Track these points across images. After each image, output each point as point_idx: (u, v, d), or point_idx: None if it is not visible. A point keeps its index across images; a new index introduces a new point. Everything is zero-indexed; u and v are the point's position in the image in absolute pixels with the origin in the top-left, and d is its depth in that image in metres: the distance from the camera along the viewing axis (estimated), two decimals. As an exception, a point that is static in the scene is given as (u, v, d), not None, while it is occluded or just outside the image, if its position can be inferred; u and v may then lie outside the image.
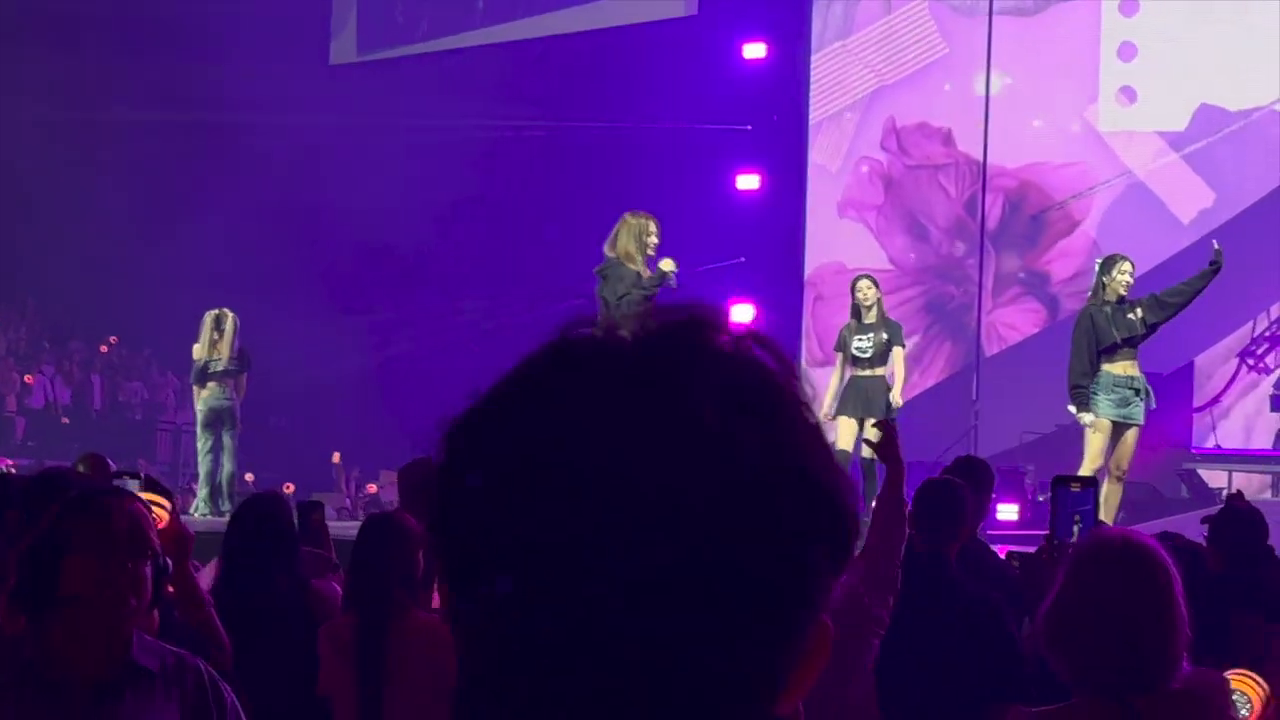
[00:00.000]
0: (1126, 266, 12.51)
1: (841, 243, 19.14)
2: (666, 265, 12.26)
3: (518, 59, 22.32)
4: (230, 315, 15.65)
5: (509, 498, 1.09)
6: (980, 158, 18.22)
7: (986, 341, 17.82)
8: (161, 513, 5.07)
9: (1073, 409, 12.40)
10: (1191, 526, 8.04)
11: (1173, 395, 16.71)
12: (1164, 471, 15.36)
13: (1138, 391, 12.31)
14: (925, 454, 14.07)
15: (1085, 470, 11.88)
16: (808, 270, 19.11)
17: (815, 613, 1.13)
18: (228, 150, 23.38)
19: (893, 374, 13.31)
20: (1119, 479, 12.10)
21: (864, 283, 13.59)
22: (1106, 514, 11.60)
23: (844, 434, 13.16)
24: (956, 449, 15.63)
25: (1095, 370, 12.33)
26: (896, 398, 13.19)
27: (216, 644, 5.06)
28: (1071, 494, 5.18)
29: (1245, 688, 5.07)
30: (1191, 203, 17.46)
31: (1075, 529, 5.11)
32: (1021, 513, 14.37)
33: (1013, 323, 17.55)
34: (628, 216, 12.48)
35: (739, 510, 1.08)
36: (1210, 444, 16.69)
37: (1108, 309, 12.36)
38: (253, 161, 23.00)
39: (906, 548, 5.57)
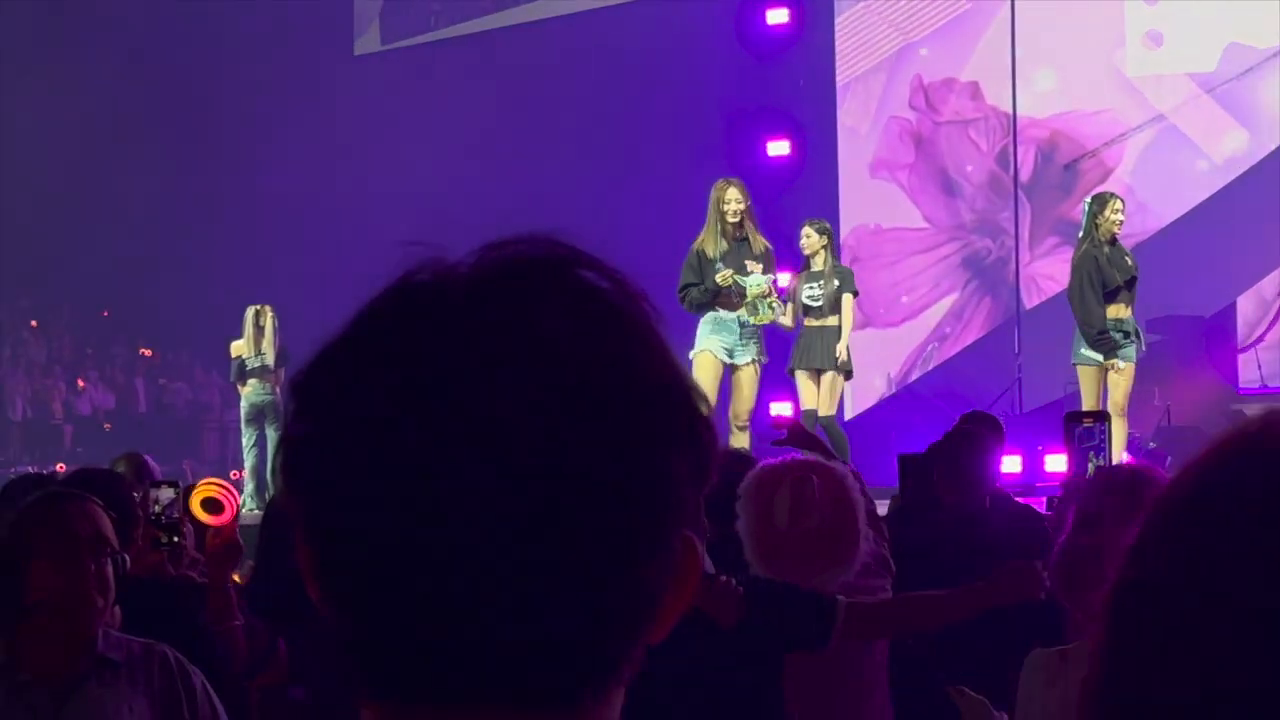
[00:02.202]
0: (1118, 204, 12.42)
1: (875, 204, 19.09)
2: (753, 286, 11.99)
3: (542, 38, 22.31)
4: (270, 311, 15.76)
5: (359, 443, 1.09)
6: (1009, 110, 18.15)
7: (1026, 294, 17.77)
8: (219, 519, 5.08)
9: (1096, 356, 12.33)
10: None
11: (1216, 336, 16.66)
12: (1211, 412, 15.29)
13: (1128, 334, 12.23)
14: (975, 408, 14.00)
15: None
16: (842, 233, 19.05)
17: (681, 527, 1.13)
18: (259, 145, 23.43)
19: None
20: (1121, 415, 11.96)
21: (805, 229, 13.13)
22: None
23: (804, 390, 12.86)
24: (1001, 404, 15.60)
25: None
26: (843, 350, 12.67)
27: (236, 655, 5.08)
28: (1083, 429, 5.15)
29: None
30: (1224, 143, 17.36)
31: (1090, 465, 5.07)
32: (1069, 463, 14.32)
33: (1051, 274, 17.47)
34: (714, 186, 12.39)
35: (596, 427, 1.08)
36: (1256, 383, 16.61)
37: (1106, 249, 12.29)
38: (284, 155, 23.05)
39: (938, 502, 5.53)
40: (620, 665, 1.13)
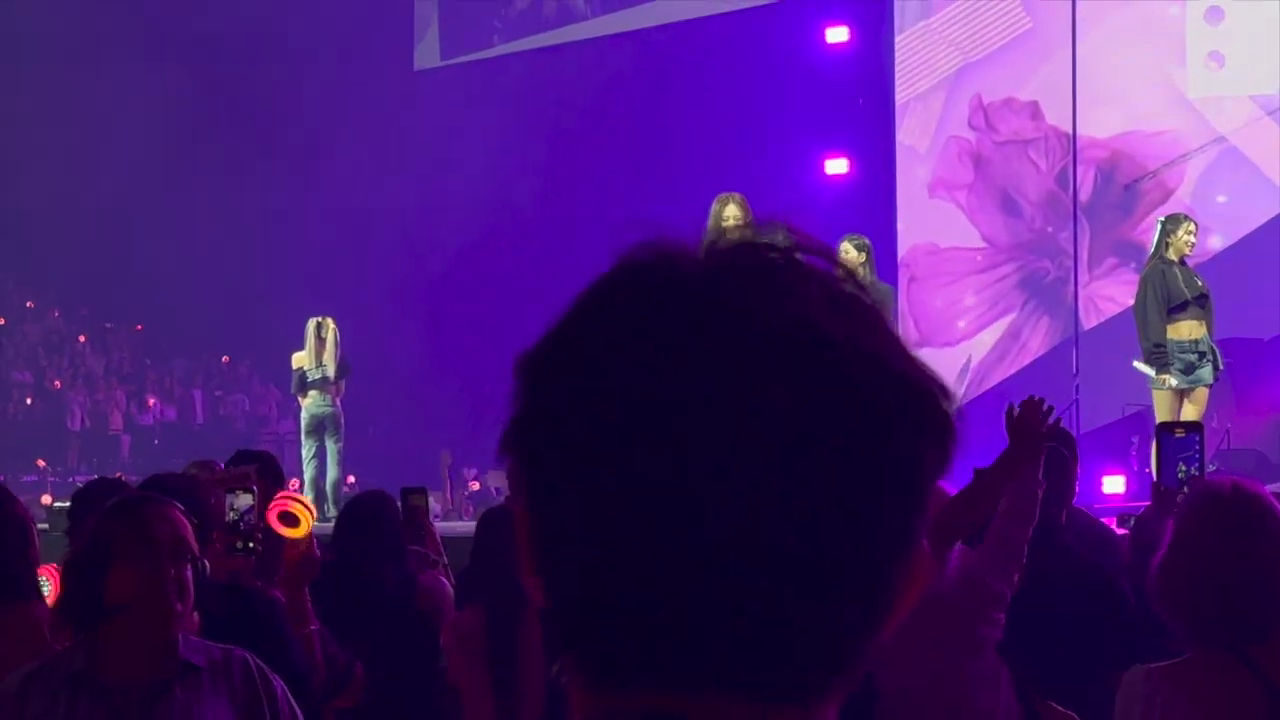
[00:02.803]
0: (1191, 226, 12.36)
1: (933, 223, 19.06)
2: None
3: (604, 54, 22.36)
4: (331, 323, 15.80)
5: (603, 425, 1.06)
6: (1069, 130, 18.11)
7: (1084, 315, 17.71)
8: (297, 532, 5.14)
9: (1148, 370, 12.25)
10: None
11: (1275, 359, 16.55)
12: (1271, 437, 15.22)
13: (1203, 354, 12.12)
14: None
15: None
16: (901, 252, 19.04)
17: (926, 520, 1.10)
18: (319, 159, 23.53)
19: None
20: None
21: (843, 244, 12.90)
22: None
23: None
24: (1059, 425, 15.52)
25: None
26: None
27: (312, 663, 5.11)
28: (1176, 440, 5.10)
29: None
30: (1286, 165, 17.29)
31: (1181, 476, 5.02)
32: (1128, 484, 14.26)
33: (1111, 295, 17.42)
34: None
35: (854, 416, 1.06)
36: (1316, 407, 16.51)
37: (1175, 269, 12.22)
38: (343, 170, 23.15)
39: None
40: (853, 663, 1.10)
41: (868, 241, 13.21)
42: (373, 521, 6.44)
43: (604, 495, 1.06)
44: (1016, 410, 5.26)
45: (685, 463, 1.04)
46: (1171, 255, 12.26)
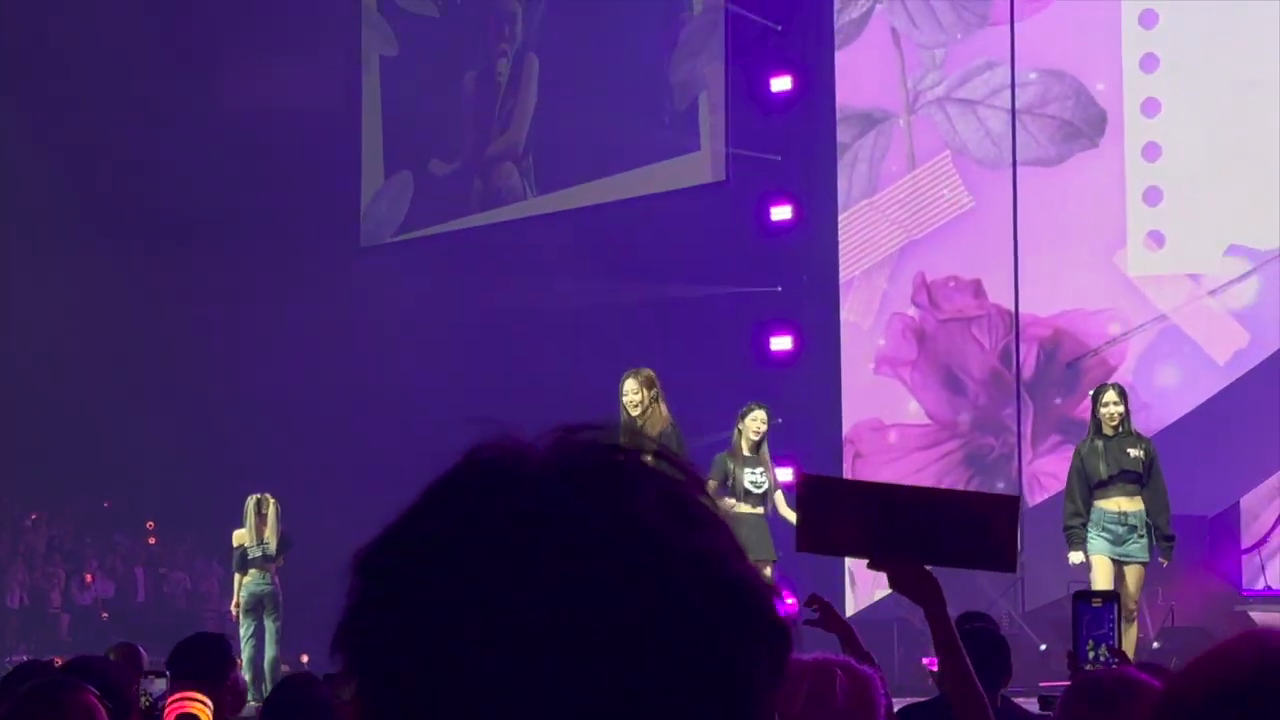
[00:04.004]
0: (1108, 397, 12.33)
1: (878, 399, 19.13)
2: None
3: (549, 231, 22.47)
4: (272, 500, 15.73)
5: (432, 629, 1.04)
6: (1012, 308, 18.25)
7: (1029, 492, 17.73)
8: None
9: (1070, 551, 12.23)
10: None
11: (1220, 537, 16.57)
12: (1216, 615, 15.18)
13: (1134, 528, 12.04)
14: (974, 609, 13.89)
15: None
16: (845, 428, 19.08)
17: None
18: (259, 336, 23.53)
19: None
20: (1128, 619, 11.77)
21: (760, 413, 12.86)
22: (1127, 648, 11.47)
23: None
24: (1001, 603, 15.49)
25: (1089, 507, 12.14)
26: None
27: None
28: (1091, 610, 4.95)
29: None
30: (1226, 344, 17.41)
31: (1091, 655, 4.87)
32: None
33: (1054, 472, 17.44)
34: None
35: (683, 625, 1.04)
36: (1260, 585, 16.51)
37: (1099, 443, 12.18)
38: (286, 346, 23.13)
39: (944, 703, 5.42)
40: None
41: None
42: (296, 707, 6.31)
43: (430, 694, 1.04)
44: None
45: (509, 665, 1.02)
46: (1104, 430, 12.25)
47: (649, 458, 1.12)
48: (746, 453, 12.81)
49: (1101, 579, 11.98)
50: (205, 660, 6.15)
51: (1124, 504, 12.02)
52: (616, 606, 1.03)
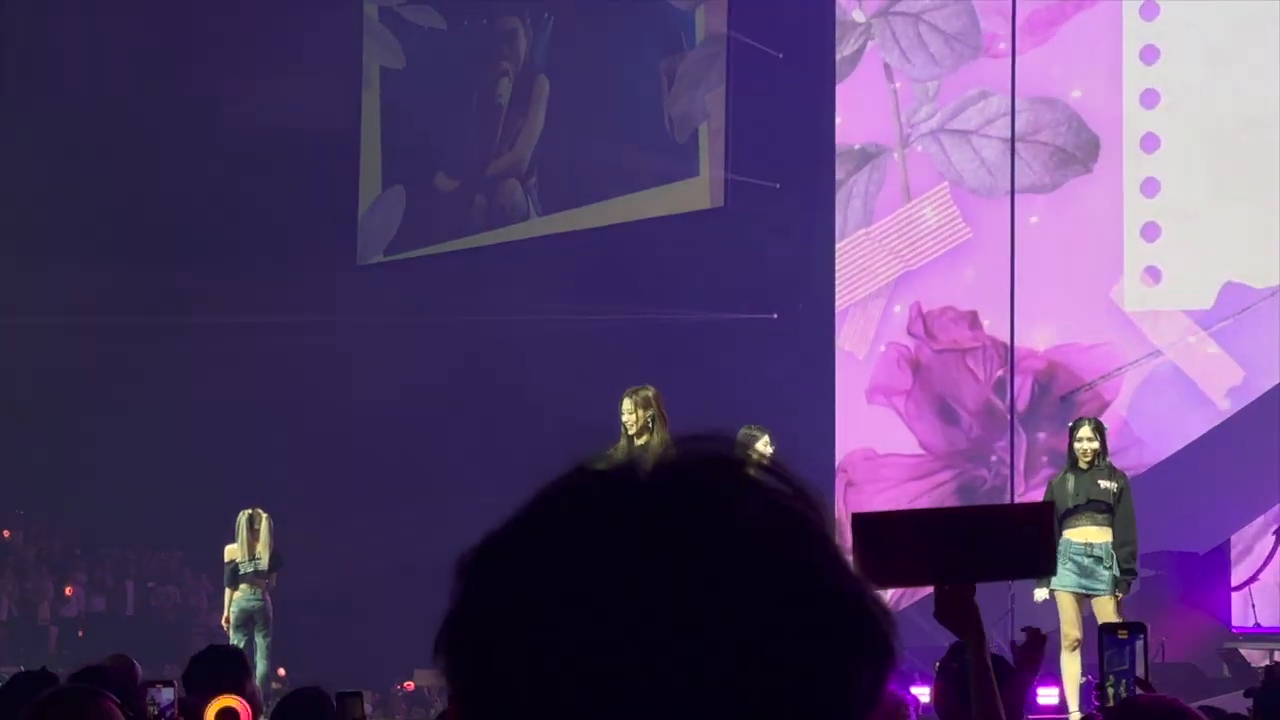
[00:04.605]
0: (1082, 432, 12.33)
1: (871, 429, 19.14)
2: None
3: (548, 252, 22.50)
4: (264, 515, 15.69)
5: (538, 634, 1.06)
6: (1007, 340, 18.27)
7: (1020, 524, 17.72)
8: None
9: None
10: (1235, 706, 7.93)
11: (1209, 574, 16.57)
12: (1204, 651, 15.18)
13: (1100, 559, 12.02)
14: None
15: (1064, 644, 11.78)
16: (838, 457, 19.10)
17: None
18: (252, 352, 23.53)
19: None
20: (1072, 648, 11.71)
21: (764, 438, 12.54)
22: (1068, 684, 11.49)
23: None
24: (993, 632, 15.46)
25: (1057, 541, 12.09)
26: None
27: None
28: (1116, 643, 4.89)
29: None
30: (1221, 380, 17.44)
31: (1110, 690, 4.80)
32: (1061, 696, 14.18)
33: (1046, 505, 17.47)
34: None
35: (788, 636, 1.06)
36: (1250, 622, 16.51)
37: (1071, 476, 12.19)
38: (277, 363, 23.13)
39: None
40: None
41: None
42: (308, 718, 6.32)
43: (538, 697, 1.06)
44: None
45: (616, 671, 1.04)
46: (1080, 463, 12.25)
47: (756, 470, 1.13)
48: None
49: (1065, 618, 12.00)
50: (222, 671, 6.29)
51: (1091, 534, 11.98)
52: (724, 616, 1.04)
